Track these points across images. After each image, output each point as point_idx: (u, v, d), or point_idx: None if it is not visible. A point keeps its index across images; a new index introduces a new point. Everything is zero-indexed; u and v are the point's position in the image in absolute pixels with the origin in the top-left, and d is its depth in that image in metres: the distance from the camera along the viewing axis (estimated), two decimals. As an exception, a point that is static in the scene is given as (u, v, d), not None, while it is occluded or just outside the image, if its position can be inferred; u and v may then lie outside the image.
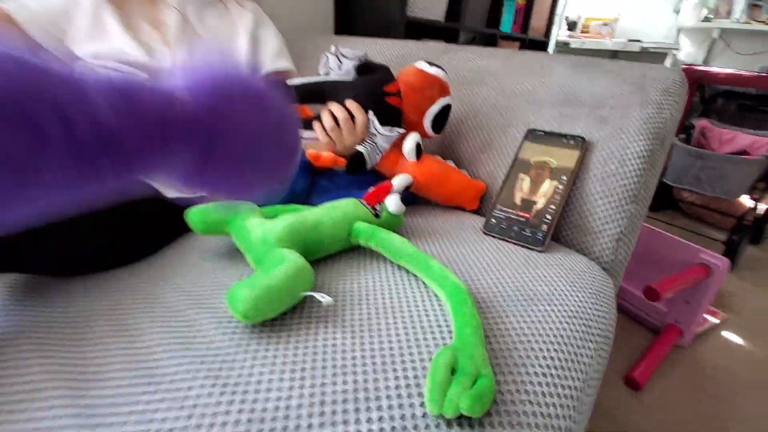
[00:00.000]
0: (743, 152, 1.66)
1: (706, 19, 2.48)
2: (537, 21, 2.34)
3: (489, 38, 2.07)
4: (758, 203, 1.59)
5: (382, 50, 0.92)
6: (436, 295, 0.38)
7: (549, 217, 0.52)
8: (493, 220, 0.55)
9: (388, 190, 0.49)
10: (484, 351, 0.29)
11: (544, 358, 0.33)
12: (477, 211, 0.66)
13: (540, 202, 0.54)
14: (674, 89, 0.60)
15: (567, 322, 0.38)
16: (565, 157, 0.56)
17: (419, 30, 1.54)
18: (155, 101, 0.19)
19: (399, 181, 0.50)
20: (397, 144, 0.60)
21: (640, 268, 1.13)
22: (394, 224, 0.50)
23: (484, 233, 0.54)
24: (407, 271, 0.42)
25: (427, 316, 0.35)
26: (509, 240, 0.52)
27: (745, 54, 2.49)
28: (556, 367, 0.33)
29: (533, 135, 0.60)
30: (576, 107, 0.62)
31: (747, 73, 1.95)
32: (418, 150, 0.60)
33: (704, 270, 1.01)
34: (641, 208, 0.55)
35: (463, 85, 0.75)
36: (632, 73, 0.63)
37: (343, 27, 1.41)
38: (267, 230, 0.41)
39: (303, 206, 0.50)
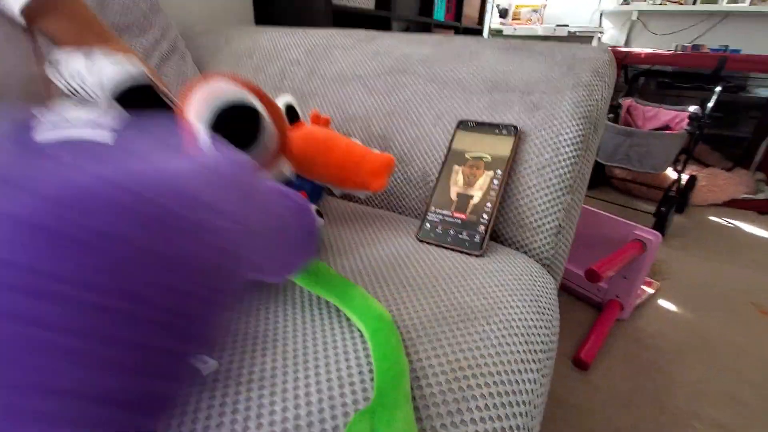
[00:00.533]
0: (666, 127, 1.76)
1: (625, 2, 2.61)
2: (469, 9, 2.34)
3: (423, 27, 2.03)
4: (681, 174, 1.70)
5: (301, 40, 0.83)
6: (360, 331, 0.32)
7: (486, 216, 0.48)
8: (428, 225, 0.49)
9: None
10: (407, 409, 0.23)
11: (482, 396, 0.28)
12: (414, 213, 0.61)
13: (476, 196, 0.49)
14: (603, 69, 0.58)
15: (508, 342, 0.33)
16: (499, 149, 0.52)
17: (347, 19, 1.46)
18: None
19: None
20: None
21: (579, 248, 1.15)
22: None
23: (419, 241, 0.48)
24: (327, 302, 0.35)
25: (347, 362, 0.29)
26: (446, 246, 0.47)
27: (662, 34, 2.66)
28: (497, 405, 0.28)
29: (465, 126, 0.56)
30: (507, 93, 0.58)
31: (664, 52, 2.07)
32: (292, 114, 0.51)
33: (639, 245, 1.04)
34: (578, 198, 0.52)
35: (390, 74, 0.69)
36: (562, 55, 0.60)
37: (262, 17, 1.29)
38: None
39: None
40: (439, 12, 2.10)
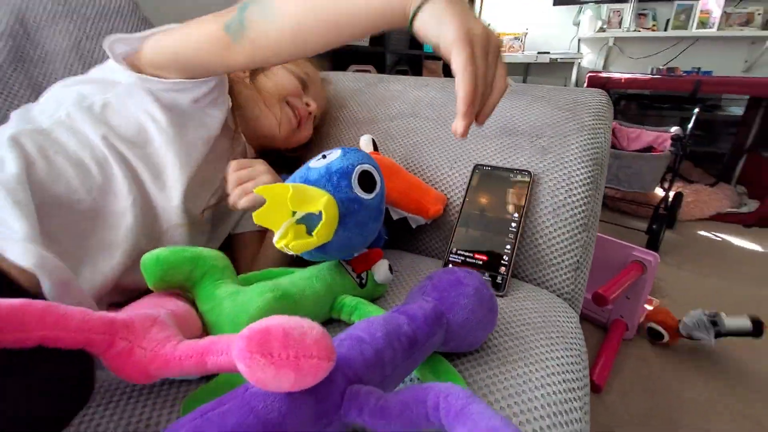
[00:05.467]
0: (649, 148, 1.85)
1: (601, 30, 2.76)
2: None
3: (414, 59, 2.12)
4: (668, 192, 1.77)
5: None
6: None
7: (506, 258, 0.51)
8: (450, 266, 0.52)
9: (378, 257, 0.45)
10: None
11: (540, 440, 0.30)
12: (436, 254, 0.63)
13: (495, 238, 0.53)
14: (603, 111, 0.63)
15: (548, 383, 0.36)
16: (514, 192, 0.55)
17: (345, 56, 1.52)
18: None
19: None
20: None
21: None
22: (376, 293, 0.46)
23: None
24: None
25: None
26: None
27: (637, 58, 2.80)
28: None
29: (480, 170, 0.59)
30: (516, 137, 0.62)
31: (643, 77, 2.18)
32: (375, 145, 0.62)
33: (639, 267, 1.08)
34: (592, 235, 0.56)
35: (402, 118, 0.73)
36: (563, 99, 0.65)
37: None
38: (239, 307, 0.34)
39: (280, 270, 0.44)
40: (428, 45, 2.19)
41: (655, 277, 1.49)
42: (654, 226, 1.65)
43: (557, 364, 0.39)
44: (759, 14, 2.34)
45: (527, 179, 0.56)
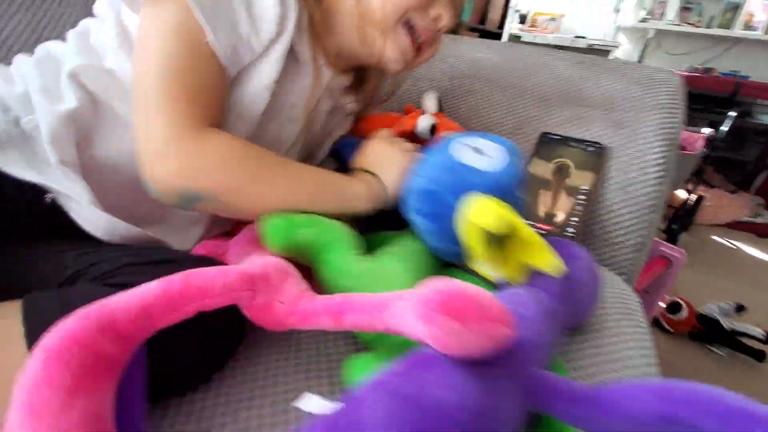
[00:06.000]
0: (681, 147, 1.81)
1: (643, 20, 2.65)
2: (492, 13, 2.35)
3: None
4: (691, 194, 1.75)
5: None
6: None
7: (571, 230, 0.49)
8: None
9: None
10: None
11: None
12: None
13: (562, 211, 0.51)
14: (679, 92, 0.60)
15: (625, 357, 0.35)
16: (584, 166, 0.53)
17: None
18: None
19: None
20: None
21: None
22: None
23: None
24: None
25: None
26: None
27: (675, 54, 2.71)
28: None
29: (548, 139, 0.57)
30: (588, 108, 0.59)
31: (682, 73, 2.11)
32: (433, 130, 0.53)
33: (665, 262, 1.07)
34: (659, 216, 0.54)
35: (461, 79, 0.69)
36: (637, 74, 0.62)
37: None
38: (385, 281, 0.32)
39: (396, 234, 0.41)
40: (466, 12, 2.10)
41: (670, 276, 1.49)
42: (673, 226, 1.64)
43: (631, 339, 0.38)
44: (810, 21, 2.24)
45: (600, 152, 0.53)
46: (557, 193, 0.52)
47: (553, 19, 3.14)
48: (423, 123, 0.50)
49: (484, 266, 0.30)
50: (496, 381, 0.20)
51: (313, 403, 0.26)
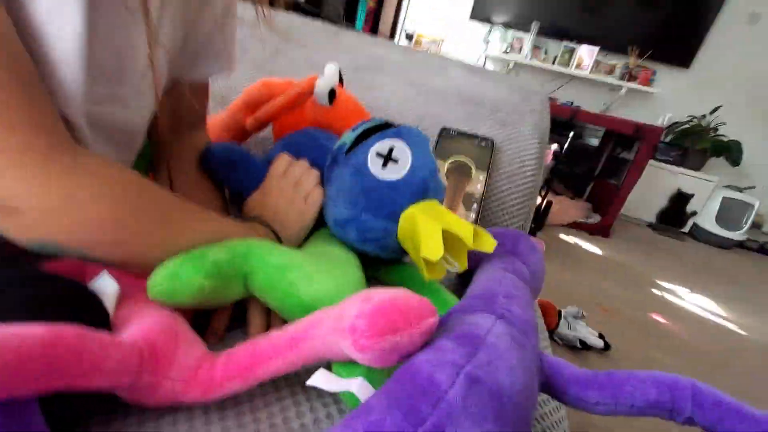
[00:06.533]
0: (535, 160, 2.15)
1: (505, 52, 3.10)
2: (384, 26, 2.48)
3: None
4: (544, 199, 2.09)
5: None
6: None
7: (473, 214, 0.54)
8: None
9: None
10: None
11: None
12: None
13: (461, 198, 0.55)
14: (546, 102, 0.71)
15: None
16: (478, 158, 0.59)
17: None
18: None
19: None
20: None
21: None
22: None
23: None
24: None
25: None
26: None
27: (528, 84, 3.22)
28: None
29: (447, 133, 0.61)
30: (479, 107, 0.66)
31: (535, 99, 2.52)
32: (332, 96, 0.50)
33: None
34: (534, 204, 0.62)
35: (365, 71, 0.71)
36: (518, 85, 0.71)
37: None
38: (346, 281, 0.28)
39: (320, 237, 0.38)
40: (359, 22, 2.17)
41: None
42: (532, 225, 1.93)
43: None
44: (618, 68, 2.92)
45: (491, 146, 0.59)
46: (454, 203, 0.56)
47: (434, 42, 3.45)
48: (322, 86, 0.47)
49: (444, 264, 0.31)
50: (530, 363, 0.22)
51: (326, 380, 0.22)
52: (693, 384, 0.21)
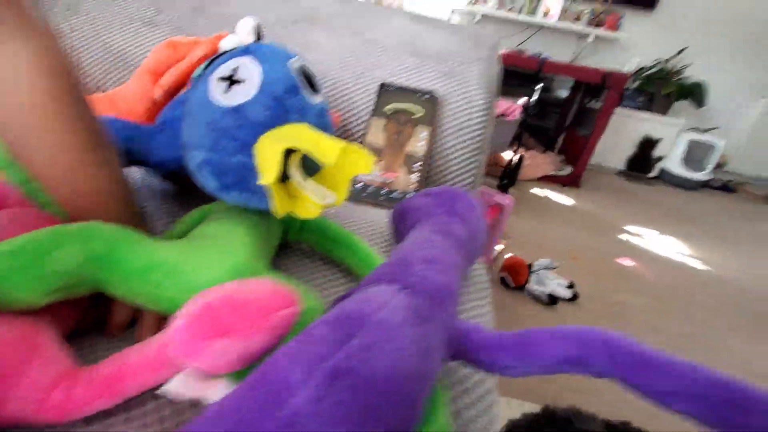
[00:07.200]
0: (502, 115, 2.12)
1: (471, 3, 2.97)
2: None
3: None
4: (515, 154, 2.08)
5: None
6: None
7: (417, 175, 0.50)
8: (359, 185, 0.49)
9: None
10: None
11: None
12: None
13: (404, 156, 0.51)
14: (496, 47, 0.67)
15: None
16: (420, 113, 0.55)
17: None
18: None
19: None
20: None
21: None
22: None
23: (349, 202, 0.48)
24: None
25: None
26: (379, 204, 0.48)
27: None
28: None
29: (386, 89, 0.56)
30: (423, 59, 0.61)
31: (501, 52, 2.44)
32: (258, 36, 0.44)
33: (498, 208, 1.24)
34: (484, 158, 0.59)
35: (301, 23, 0.64)
36: (468, 32, 0.67)
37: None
38: (221, 269, 0.24)
39: (208, 208, 0.33)
40: None
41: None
42: (504, 181, 1.92)
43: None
44: (585, 13, 2.84)
45: (433, 100, 0.55)
46: (400, 139, 0.52)
47: (396, -3, 3.27)
48: (228, 46, 0.40)
49: (311, 195, 0.27)
50: (433, 338, 0.19)
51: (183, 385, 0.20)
52: (604, 336, 0.20)
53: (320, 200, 0.27)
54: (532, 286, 1.27)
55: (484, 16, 3.08)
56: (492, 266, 1.38)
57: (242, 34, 0.46)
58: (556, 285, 1.29)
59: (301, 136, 0.27)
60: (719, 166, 3.14)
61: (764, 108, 2.94)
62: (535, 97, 2.07)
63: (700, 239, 2.03)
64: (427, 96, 0.56)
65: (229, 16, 0.65)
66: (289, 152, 0.27)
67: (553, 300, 1.25)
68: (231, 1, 0.66)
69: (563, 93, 2.93)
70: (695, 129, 2.94)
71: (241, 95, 0.28)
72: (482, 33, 0.68)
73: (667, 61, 2.91)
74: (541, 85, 2.08)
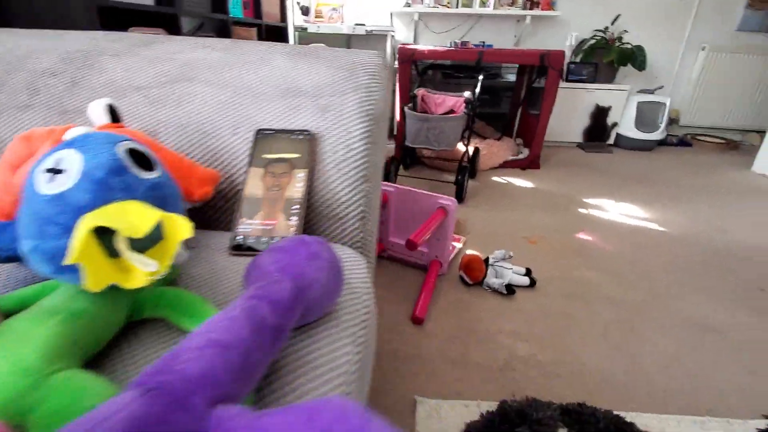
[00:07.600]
0: (451, 111, 2.14)
1: (407, 5, 3.00)
2: (269, 7, 2.32)
3: (220, 24, 1.92)
4: (468, 147, 2.10)
5: (53, 44, 0.70)
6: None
7: (296, 218, 0.51)
8: (240, 237, 0.50)
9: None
10: None
11: (308, 371, 0.31)
12: (228, 226, 0.60)
13: (283, 200, 0.52)
14: (378, 72, 0.68)
15: (321, 329, 0.38)
16: (298, 153, 0.55)
17: (122, 18, 1.27)
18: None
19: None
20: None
21: (401, 223, 1.32)
22: (172, 277, 0.41)
23: (232, 254, 0.48)
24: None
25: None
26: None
27: (439, 32, 3.16)
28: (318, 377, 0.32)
29: (263, 135, 0.57)
30: (299, 98, 0.62)
31: (441, 49, 2.47)
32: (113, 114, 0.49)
33: (443, 212, 1.26)
34: (375, 184, 0.60)
35: (176, 83, 0.65)
36: (343, 61, 0.67)
37: (-7, 10, 1.01)
38: (15, 349, 0.25)
39: (42, 286, 0.35)
40: (236, 9, 2.02)
41: (461, 219, 1.77)
42: (459, 177, 1.94)
43: (337, 309, 0.41)
44: (517, -2, 2.89)
45: (309, 138, 0.56)
46: (278, 183, 0.53)
47: (335, 9, 3.29)
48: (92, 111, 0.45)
49: (138, 266, 0.29)
50: None
51: None
52: None
53: (144, 269, 0.29)
54: (490, 279, 1.29)
55: (424, 15, 3.12)
56: (449, 266, 1.39)
57: (94, 116, 0.47)
58: (513, 274, 1.31)
59: (109, 213, 0.29)
60: (673, 122, 3.21)
61: (704, 59, 3.02)
62: (477, 88, 2.09)
63: (657, 201, 2.08)
64: (302, 136, 0.57)
65: (107, 83, 0.65)
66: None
67: (510, 290, 1.27)
68: (106, 68, 0.66)
69: (512, 77, 2.97)
70: (643, 91, 3.01)
71: (63, 184, 0.31)
72: (363, 57, 0.69)
73: (604, 30, 2.97)
74: (482, 76, 2.11)
